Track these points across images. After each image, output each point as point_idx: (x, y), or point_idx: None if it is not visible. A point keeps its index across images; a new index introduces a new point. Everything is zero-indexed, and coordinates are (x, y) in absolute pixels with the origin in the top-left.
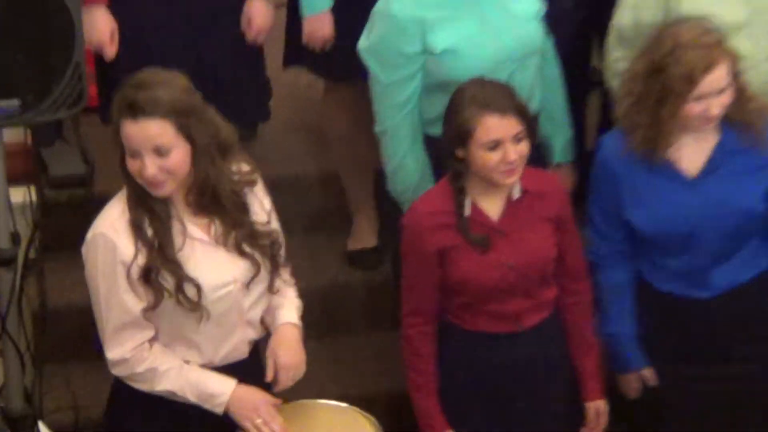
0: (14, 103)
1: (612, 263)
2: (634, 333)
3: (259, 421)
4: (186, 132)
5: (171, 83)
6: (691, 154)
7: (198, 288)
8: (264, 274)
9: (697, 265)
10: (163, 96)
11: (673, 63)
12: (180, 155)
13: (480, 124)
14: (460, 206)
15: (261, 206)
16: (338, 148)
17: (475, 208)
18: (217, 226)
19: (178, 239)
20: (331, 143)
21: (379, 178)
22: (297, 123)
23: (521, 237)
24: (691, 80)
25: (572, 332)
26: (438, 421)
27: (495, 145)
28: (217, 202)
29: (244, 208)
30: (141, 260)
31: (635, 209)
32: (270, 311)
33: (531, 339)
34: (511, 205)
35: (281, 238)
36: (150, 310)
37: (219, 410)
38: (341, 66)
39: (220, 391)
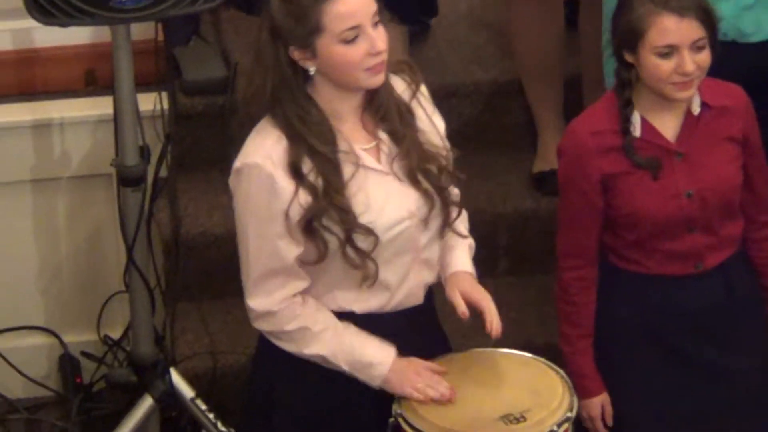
0: None
1: None
2: None
3: (421, 385)
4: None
5: None
6: None
7: (373, 236)
8: (439, 208)
9: None
10: None
11: None
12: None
13: (653, 25)
14: (626, 121)
15: (431, 123)
16: (520, 47)
17: (646, 125)
18: (385, 149)
19: (347, 169)
20: (512, 42)
21: (568, 87)
22: (477, 19)
23: (702, 160)
24: None
25: (765, 272)
26: (594, 383)
27: (669, 51)
28: (383, 108)
29: (411, 119)
30: (303, 198)
31: None
32: (441, 251)
33: (714, 282)
34: (689, 123)
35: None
36: (311, 265)
37: (375, 382)
38: None
39: (379, 360)
